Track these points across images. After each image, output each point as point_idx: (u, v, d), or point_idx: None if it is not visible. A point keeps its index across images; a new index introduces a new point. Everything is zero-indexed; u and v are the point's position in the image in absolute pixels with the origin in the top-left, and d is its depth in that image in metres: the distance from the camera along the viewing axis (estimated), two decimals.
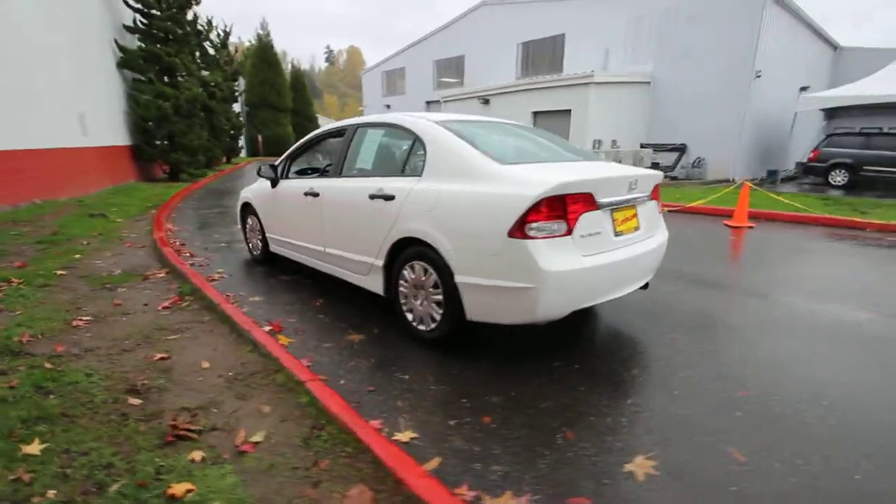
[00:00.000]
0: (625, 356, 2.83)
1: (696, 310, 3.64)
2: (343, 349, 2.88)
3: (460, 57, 23.69)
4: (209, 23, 15.22)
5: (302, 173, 4.55)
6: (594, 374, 2.60)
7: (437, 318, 2.82)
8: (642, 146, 16.89)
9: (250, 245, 5.14)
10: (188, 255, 5.22)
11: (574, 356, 2.80)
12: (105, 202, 8.53)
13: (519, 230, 2.35)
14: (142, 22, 11.79)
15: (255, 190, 4.82)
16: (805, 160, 14.72)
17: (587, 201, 2.51)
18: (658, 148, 16.64)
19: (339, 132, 3.89)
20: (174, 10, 12.14)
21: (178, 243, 5.73)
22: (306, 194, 3.83)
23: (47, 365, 2.39)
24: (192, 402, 2.15)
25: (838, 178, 13.78)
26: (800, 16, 16.42)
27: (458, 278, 2.60)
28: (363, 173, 3.43)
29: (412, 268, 2.93)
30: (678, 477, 1.77)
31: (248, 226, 5.09)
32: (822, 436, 2.04)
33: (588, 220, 2.52)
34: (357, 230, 3.33)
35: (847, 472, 1.82)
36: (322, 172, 4.53)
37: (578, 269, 2.43)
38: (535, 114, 16.47)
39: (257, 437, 1.88)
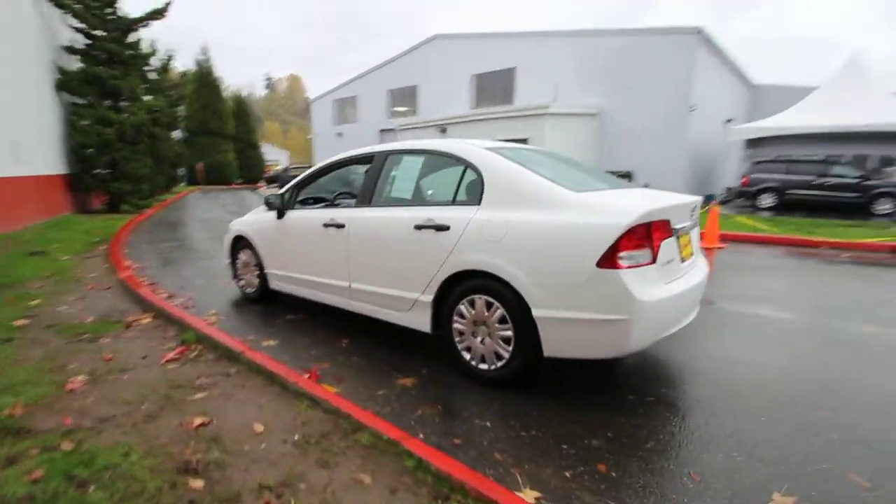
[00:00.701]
0: (677, 379, 2.79)
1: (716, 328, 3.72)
2: (400, 396, 2.60)
3: (413, 87, 24.01)
4: (152, 47, 14.36)
5: (307, 203, 4.26)
6: (670, 404, 2.52)
7: (505, 355, 2.64)
8: None
9: (242, 282, 4.67)
10: (165, 295, 4.65)
11: (636, 385, 2.71)
12: (43, 237, 7.54)
13: (609, 260, 2.25)
14: (84, 43, 10.85)
15: (252, 221, 4.42)
16: (738, 185, 16.15)
17: (665, 228, 2.48)
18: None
19: (363, 159, 3.66)
20: (119, 31, 11.30)
21: (146, 283, 5.11)
22: (326, 226, 3.54)
23: (65, 445, 1.92)
24: (268, 478, 1.79)
25: (767, 200, 15.16)
26: (723, 57, 18.30)
27: (536, 312, 2.44)
28: (401, 203, 3.21)
29: (471, 303, 2.74)
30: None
31: (239, 261, 4.63)
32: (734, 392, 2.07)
33: (666, 247, 2.48)
34: (398, 264, 3.09)
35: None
36: (332, 202, 4.27)
37: (665, 298, 2.37)
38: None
39: None
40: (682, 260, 2.72)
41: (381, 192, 3.38)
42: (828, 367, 3.08)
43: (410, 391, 2.67)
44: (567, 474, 1.92)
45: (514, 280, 2.50)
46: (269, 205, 4.02)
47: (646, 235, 2.33)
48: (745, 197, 15.80)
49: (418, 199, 3.16)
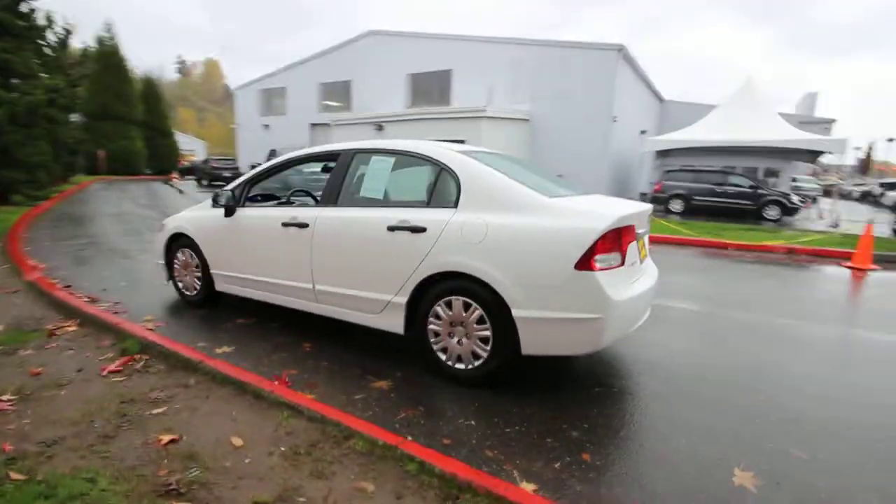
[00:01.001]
0: (634, 371, 3.04)
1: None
2: (379, 400, 2.56)
3: (347, 82, 23.42)
4: (49, 18, 12.64)
5: (257, 201, 4.03)
6: (632, 393, 2.74)
7: (483, 355, 2.69)
8: None
9: (180, 284, 4.30)
10: (86, 299, 4.15)
11: (601, 378, 2.91)
12: None
13: (586, 262, 2.39)
14: None
15: (194, 219, 4.09)
16: (651, 191, 17.67)
17: (631, 233, 2.68)
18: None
19: (324, 157, 3.55)
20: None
21: (60, 285, 4.53)
22: (286, 225, 3.38)
23: (14, 476, 1.66)
24: (262, 494, 1.68)
25: (677, 206, 16.74)
26: (640, 73, 19.91)
27: (516, 312, 2.53)
28: (371, 203, 3.15)
29: (448, 304, 2.77)
30: None
31: (177, 262, 4.26)
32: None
33: (631, 251, 2.68)
34: (368, 265, 3.03)
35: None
36: (287, 200, 4.08)
37: (631, 297, 2.57)
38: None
39: None
40: (642, 261, 2.96)
41: (348, 191, 3.29)
42: (755, 355, 3.50)
43: (388, 394, 2.64)
44: (556, 465, 2.02)
45: (494, 281, 2.56)
46: (218, 202, 3.75)
47: (616, 239, 2.51)
48: (658, 202, 17.35)
49: (390, 200, 3.12)
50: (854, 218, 14.27)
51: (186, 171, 26.70)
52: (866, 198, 27.81)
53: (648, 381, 2.97)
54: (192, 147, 41.82)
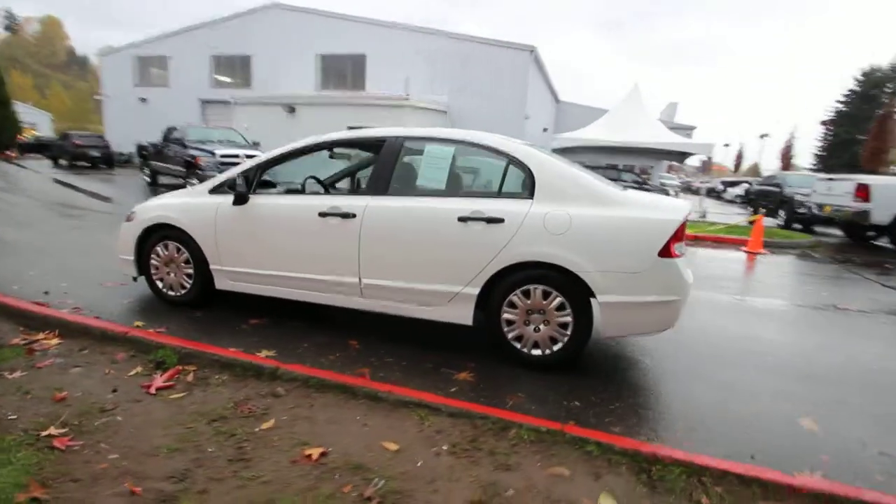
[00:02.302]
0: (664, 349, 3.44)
1: None
2: (475, 390, 2.54)
3: (246, 57, 21.38)
4: None
5: (267, 187, 3.63)
6: (678, 368, 3.11)
7: (562, 340, 2.82)
8: None
9: (160, 284, 3.69)
10: (30, 303, 3.36)
11: (646, 351, 3.24)
12: None
13: (667, 250, 2.64)
14: None
15: (184, 207, 3.53)
16: None
17: (686, 225, 3.01)
18: None
19: (367, 142, 3.33)
20: None
21: None
22: (325, 215, 3.11)
23: None
24: (470, 494, 1.62)
25: None
26: (543, 73, 21.37)
27: (601, 298, 2.69)
28: (430, 193, 3.05)
29: (525, 293, 2.84)
30: None
31: (158, 257, 3.64)
32: None
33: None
34: (434, 257, 2.94)
35: None
36: (300, 188, 3.74)
37: (692, 281, 2.90)
38: (351, 128, 16.32)
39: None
40: None
41: (401, 180, 3.14)
42: (723, 326, 4.13)
43: (478, 384, 2.64)
44: (677, 429, 2.23)
45: (579, 270, 2.70)
46: (234, 189, 3.28)
47: (684, 230, 2.81)
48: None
49: (453, 191, 3.06)
50: (715, 210, 17.14)
51: (31, 149, 22.04)
52: (710, 193, 33.50)
53: (675, 355, 3.36)
54: (33, 119, 34.55)
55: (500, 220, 2.81)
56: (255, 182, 3.41)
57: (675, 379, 2.92)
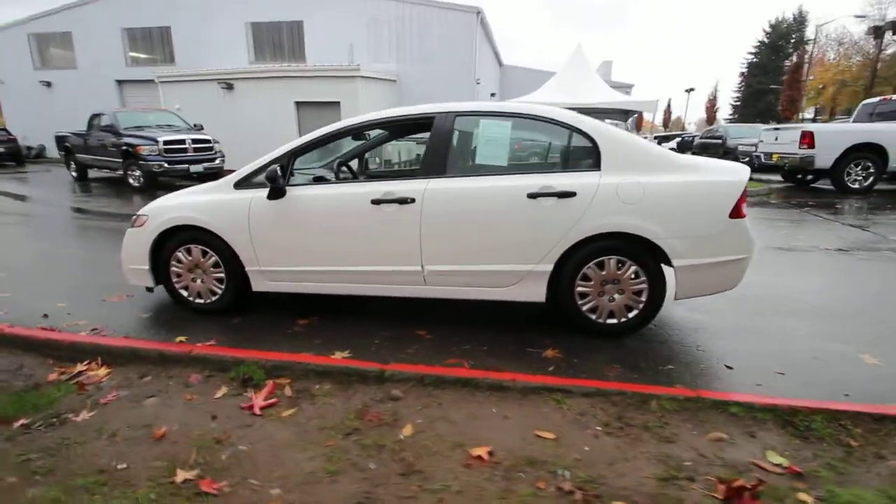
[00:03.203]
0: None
1: None
2: (571, 366, 2.56)
3: (165, 28, 19.27)
4: None
5: (299, 178, 3.35)
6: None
7: (637, 307, 2.88)
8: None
9: (186, 292, 3.35)
10: (42, 328, 2.96)
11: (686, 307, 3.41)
12: None
13: (737, 210, 2.74)
14: None
15: (209, 206, 3.19)
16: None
17: None
18: (412, 140, 18.46)
19: (411, 121, 3.12)
20: None
21: None
22: (378, 202, 2.92)
23: None
24: (655, 471, 1.64)
25: None
26: (489, 36, 21.06)
27: (677, 262, 2.76)
28: (492, 171, 2.93)
29: (599, 265, 2.85)
30: None
31: (178, 264, 3.29)
32: None
33: None
34: (503, 236, 2.87)
35: None
36: (338, 175, 3.49)
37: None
38: (299, 104, 15.40)
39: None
40: None
41: (458, 159, 3.00)
42: None
43: (570, 359, 2.65)
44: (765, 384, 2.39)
45: (655, 237, 2.74)
46: (267, 181, 2.98)
47: (746, 191, 2.91)
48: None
49: (515, 167, 2.96)
50: None
51: None
52: None
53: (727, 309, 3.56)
54: None
55: (573, 194, 2.77)
56: (288, 173, 3.12)
57: (733, 333, 3.08)
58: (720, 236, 2.76)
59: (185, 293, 3.37)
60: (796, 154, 9.52)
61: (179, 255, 3.29)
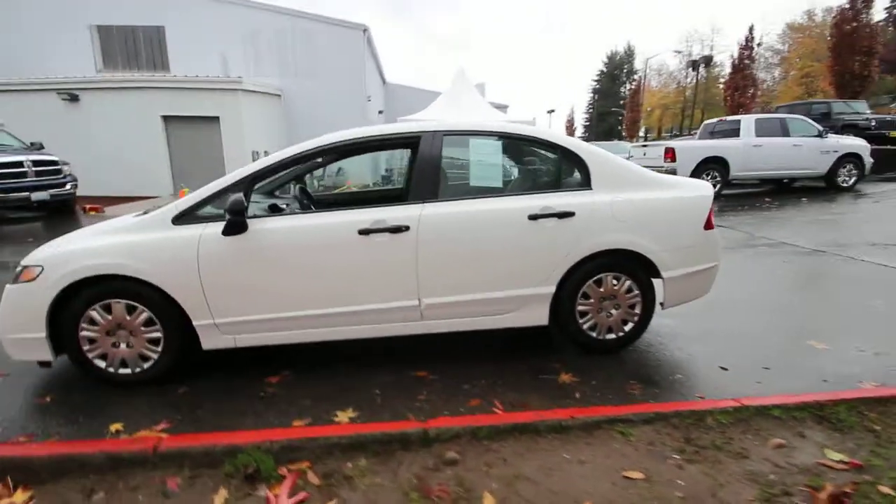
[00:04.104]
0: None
1: None
2: (593, 389, 2.50)
3: None
4: None
5: (262, 207, 2.82)
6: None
7: (633, 320, 2.95)
8: None
9: (104, 361, 2.57)
10: None
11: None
12: None
13: (709, 222, 2.96)
14: None
15: (139, 248, 2.49)
16: None
17: None
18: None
19: (394, 141, 2.82)
20: None
21: None
22: (367, 232, 2.57)
23: None
24: (760, 493, 1.61)
25: None
26: (374, 54, 20.96)
27: (666, 274, 2.88)
28: (487, 193, 2.76)
29: (597, 282, 2.86)
30: None
31: (90, 327, 2.51)
32: None
33: None
34: (505, 261, 2.71)
35: None
36: (301, 203, 3.01)
37: None
38: (167, 118, 13.49)
39: None
40: None
41: (451, 181, 2.79)
42: None
43: (588, 381, 2.59)
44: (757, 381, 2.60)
45: (647, 251, 2.83)
46: (229, 213, 2.41)
47: None
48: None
49: (512, 188, 2.84)
50: None
51: None
52: None
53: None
54: None
55: (571, 214, 2.75)
56: (247, 201, 2.59)
57: (702, 335, 3.32)
58: (698, 247, 2.96)
59: (102, 363, 2.58)
60: (663, 166, 11.06)
61: (94, 314, 2.51)
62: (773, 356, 2.88)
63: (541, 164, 3.04)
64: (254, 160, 14.43)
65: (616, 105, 53.22)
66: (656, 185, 2.96)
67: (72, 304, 2.49)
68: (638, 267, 2.88)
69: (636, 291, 2.91)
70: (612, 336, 2.96)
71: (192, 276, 2.50)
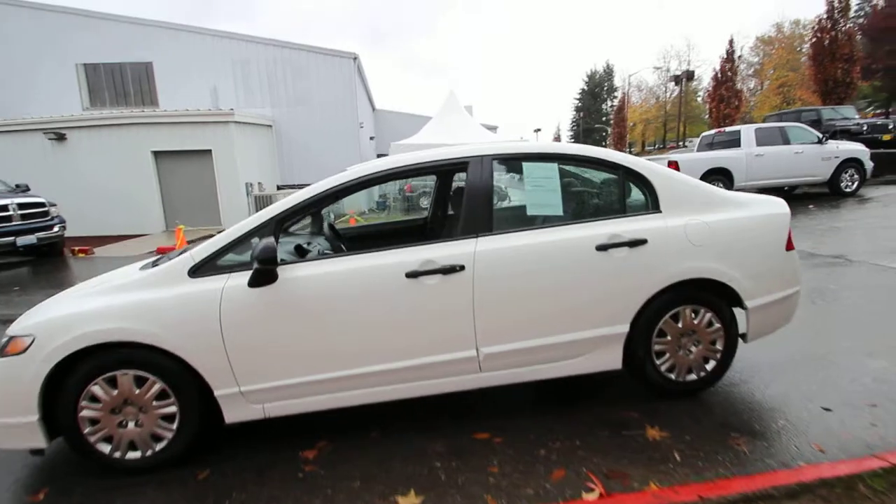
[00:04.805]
0: None
1: None
2: (689, 446, 2.13)
3: None
4: None
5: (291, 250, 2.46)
6: None
7: (714, 358, 2.59)
8: (279, 188, 16.87)
9: (109, 446, 2.16)
10: None
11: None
12: None
13: (789, 242, 2.65)
14: None
15: (148, 307, 2.11)
16: (405, 190, 19.26)
17: None
18: (297, 188, 17.08)
19: (437, 167, 2.49)
20: None
21: None
22: (416, 275, 2.22)
23: None
24: None
25: (425, 202, 18.87)
26: (364, 81, 20.96)
27: (749, 303, 2.55)
28: (548, 222, 2.43)
29: (674, 316, 2.52)
30: None
31: (95, 403, 2.10)
32: None
33: None
34: (576, 298, 2.37)
35: None
36: (322, 247, 2.66)
37: None
38: (157, 153, 13.14)
39: None
40: None
41: (505, 211, 2.47)
42: None
43: (682, 436, 2.22)
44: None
45: (730, 279, 2.50)
46: (259, 261, 2.04)
47: None
48: (409, 201, 19.09)
49: (574, 215, 2.51)
50: None
51: None
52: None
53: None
54: None
55: (643, 242, 2.42)
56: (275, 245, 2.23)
57: (790, 367, 2.97)
58: (780, 271, 2.64)
59: (106, 447, 2.16)
60: None
61: (96, 390, 2.10)
62: (872, 387, 2.54)
63: (601, 187, 2.72)
64: (247, 193, 14.12)
65: (599, 122, 54.18)
66: (729, 204, 2.64)
67: (69, 378, 2.08)
68: (718, 297, 2.55)
69: (717, 325, 2.56)
70: (693, 377, 2.60)
71: (214, 338, 2.11)
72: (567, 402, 2.66)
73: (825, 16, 21.19)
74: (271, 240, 2.06)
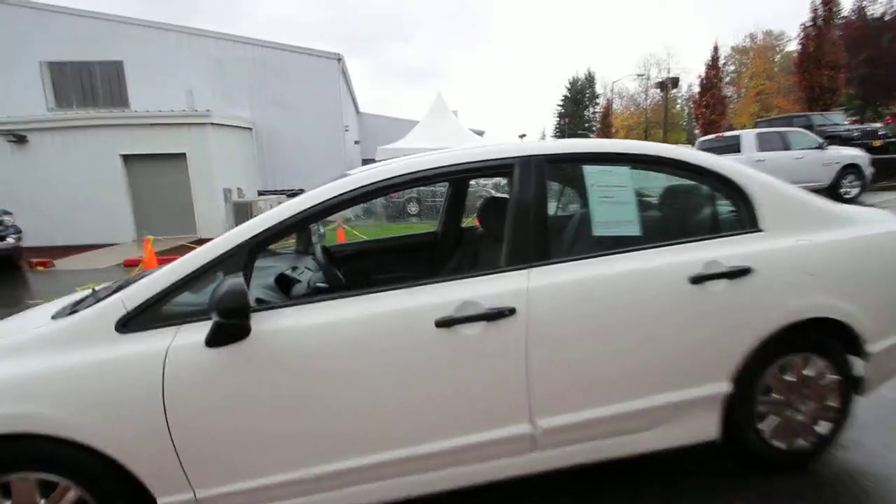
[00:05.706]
0: None
1: None
2: None
3: None
4: None
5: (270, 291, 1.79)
6: None
7: (828, 416, 1.99)
8: (260, 193, 16.02)
9: None
10: None
11: None
12: None
13: None
14: None
15: (56, 379, 1.41)
16: (390, 196, 18.59)
17: None
18: (280, 194, 16.25)
19: (466, 171, 1.84)
20: None
21: None
22: (450, 323, 1.56)
23: None
24: None
25: (414, 208, 18.25)
26: (348, 83, 20.25)
27: (872, 347, 1.96)
28: (620, 245, 1.80)
29: (782, 368, 1.91)
30: None
31: None
32: None
33: None
34: (664, 348, 1.75)
35: None
36: (310, 285, 1.99)
37: None
38: (126, 157, 12.18)
39: None
40: None
41: (565, 232, 1.82)
42: None
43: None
44: None
45: (850, 318, 1.91)
46: (228, 313, 1.36)
47: None
48: (396, 207, 18.43)
49: (654, 235, 1.88)
50: None
51: None
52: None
53: None
54: None
55: (747, 271, 1.81)
56: (248, 284, 1.55)
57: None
58: None
59: None
60: None
61: None
62: None
63: (685, 199, 2.11)
64: (226, 199, 13.22)
65: (581, 128, 54.28)
66: (842, 221, 2.05)
67: None
68: (834, 340, 1.96)
69: (834, 376, 1.97)
70: (804, 443, 2.00)
71: (154, 422, 1.42)
72: (626, 485, 2.03)
73: (810, 23, 21.27)
74: (239, 281, 1.39)
